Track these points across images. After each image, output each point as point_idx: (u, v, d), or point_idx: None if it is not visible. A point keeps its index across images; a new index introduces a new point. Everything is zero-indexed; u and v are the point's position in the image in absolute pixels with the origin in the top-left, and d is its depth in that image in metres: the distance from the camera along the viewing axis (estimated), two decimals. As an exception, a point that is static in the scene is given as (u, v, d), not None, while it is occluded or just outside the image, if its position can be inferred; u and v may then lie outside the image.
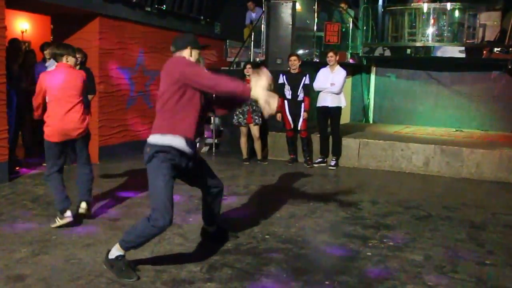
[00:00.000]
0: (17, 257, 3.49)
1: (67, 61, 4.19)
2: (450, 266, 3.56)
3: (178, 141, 3.12)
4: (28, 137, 7.10)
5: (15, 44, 6.41)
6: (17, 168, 6.24)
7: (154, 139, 3.14)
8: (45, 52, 6.67)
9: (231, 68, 9.00)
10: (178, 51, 3.29)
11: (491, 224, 4.65)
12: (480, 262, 3.67)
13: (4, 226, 4.19)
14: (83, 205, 4.34)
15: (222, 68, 9.16)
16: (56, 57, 4.23)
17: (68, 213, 4.08)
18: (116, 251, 3.17)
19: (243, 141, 7.54)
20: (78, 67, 4.49)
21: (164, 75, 3.18)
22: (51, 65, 6.35)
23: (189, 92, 3.13)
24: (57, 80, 4.11)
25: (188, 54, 3.27)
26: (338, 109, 7.24)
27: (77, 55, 5.66)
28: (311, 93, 7.34)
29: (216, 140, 8.64)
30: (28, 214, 4.53)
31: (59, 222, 4.07)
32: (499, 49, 9.13)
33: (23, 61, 6.75)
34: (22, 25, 10.22)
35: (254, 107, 7.32)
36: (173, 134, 3.12)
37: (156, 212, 3.05)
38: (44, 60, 6.70)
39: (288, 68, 7.40)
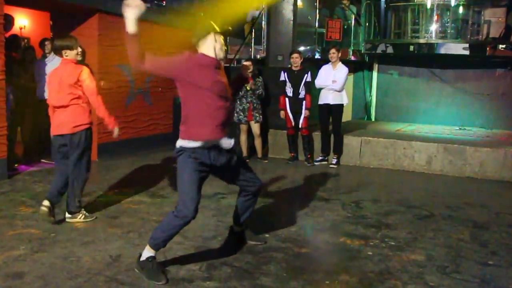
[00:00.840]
0: (15, 255, 3.47)
1: (66, 56, 4.15)
2: (452, 267, 3.52)
3: (194, 144, 3.10)
4: (28, 134, 7.04)
5: (14, 41, 6.37)
6: (16, 165, 6.21)
7: (177, 143, 3.19)
8: (45, 47, 6.63)
9: (232, 65, 8.94)
10: (200, 40, 3.13)
11: (494, 224, 4.60)
12: (483, 262, 3.62)
13: (3, 223, 4.17)
14: (46, 203, 4.12)
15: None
16: (55, 51, 4.21)
17: (46, 203, 4.06)
18: (147, 253, 3.15)
19: (243, 138, 7.48)
20: (79, 58, 4.39)
21: None
22: (51, 60, 6.32)
23: (190, 91, 3.09)
24: (53, 77, 4.13)
25: (213, 40, 3.11)
26: (339, 107, 7.18)
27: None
28: (313, 91, 7.29)
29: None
30: (27, 212, 4.51)
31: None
32: (503, 46, 9.05)
33: (22, 58, 6.70)
34: (21, 21, 10.15)
35: (254, 105, 7.27)
36: (188, 140, 3.12)
37: (180, 203, 3.09)
38: (44, 56, 6.66)
39: (290, 65, 7.34)
